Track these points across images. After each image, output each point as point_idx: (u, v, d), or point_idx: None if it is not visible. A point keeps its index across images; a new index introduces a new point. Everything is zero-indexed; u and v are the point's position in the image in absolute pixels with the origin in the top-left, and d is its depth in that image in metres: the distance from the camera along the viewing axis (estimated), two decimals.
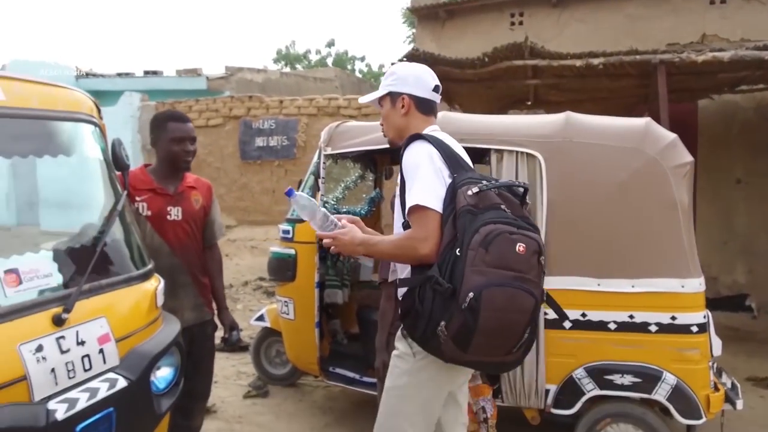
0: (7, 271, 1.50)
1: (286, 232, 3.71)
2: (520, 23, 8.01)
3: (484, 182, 1.66)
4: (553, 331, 2.92)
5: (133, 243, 2.06)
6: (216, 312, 2.87)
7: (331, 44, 26.48)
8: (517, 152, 3.02)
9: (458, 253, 1.55)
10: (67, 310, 1.57)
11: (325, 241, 1.80)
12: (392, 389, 1.78)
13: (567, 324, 2.91)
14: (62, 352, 1.54)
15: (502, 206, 1.64)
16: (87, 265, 1.69)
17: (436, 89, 1.91)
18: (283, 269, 3.69)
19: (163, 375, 1.92)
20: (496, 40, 6.13)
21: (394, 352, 1.81)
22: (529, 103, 6.82)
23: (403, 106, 1.87)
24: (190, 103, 11.18)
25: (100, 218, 1.95)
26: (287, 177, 10.18)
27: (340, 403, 4.02)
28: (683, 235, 2.83)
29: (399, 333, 1.81)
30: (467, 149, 3.23)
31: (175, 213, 2.64)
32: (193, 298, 2.71)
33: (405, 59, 5.79)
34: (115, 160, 2.14)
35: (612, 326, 2.87)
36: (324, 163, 3.61)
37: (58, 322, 1.55)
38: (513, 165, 3.02)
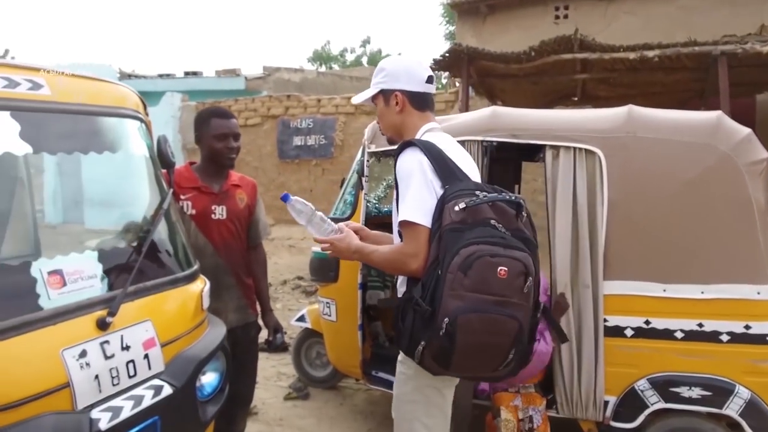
0: (51, 273, 1.43)
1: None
2: (565, 17, 7.76)
3: (476, 195, 1.57)
4: (613, 339, 2.74)
5: (178, 243, 1.99)
6: (260, 314, 2.80)
7: (366, 42, 26.50)
8: (574, 148, 2.84)
9: (439, 274, 1.50)
10: (112, 314, 1.50)
11: (322, 246, 1.80)
12: (400, 395, 1.78)
13: (628, 332, 2.72)
14: (106, 357, 1.46)
15: (492, 221, 1.56)
16: (132, 266, 1.62)
17: (429, 80, 1.82)
18: (325, 270, 3.60)
19: (208, 381, 1.84)
20: (540, 34, 5.92)
21: (399, 358, 1.79)
22: (576, 98, 6.58)
23: (397, 104, 1.79)
24: (229, 102, 11.28)
25: (146, 217, 1.89)
26: (324, 176, 10.16)
27: (382, 407, 3.90)
28: (759, 237, 2.60)
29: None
30: (518, 146, 3.14)
31: (219, 212, 2.58)
32: (237, 299, 2.64)
33: (446, 55, 5.65)
34: (161, 158, 2.07)
35: (679, 335, 2.67)
36: (368, 160, 3.49)
37: (103, 326, 1.48)
38: (570, 162, 2.84)
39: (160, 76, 15.58)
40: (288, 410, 3.84)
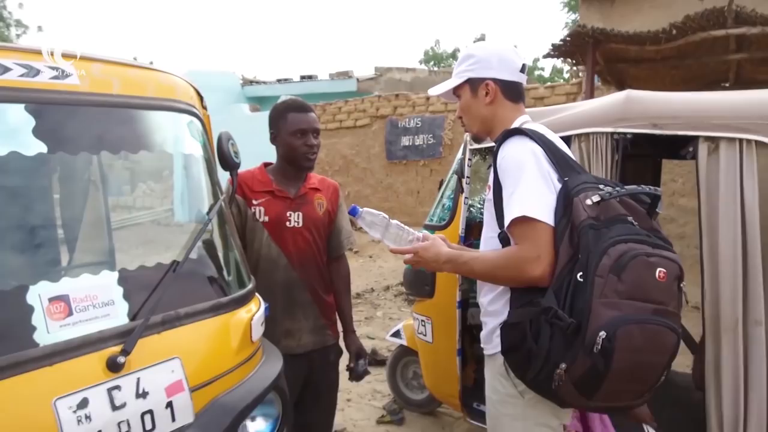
0: (53, 299, 1.17)
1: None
2: None
3: (605, 188, 1.37)
4: None
5: (229, 259, 1.68)
6: (342, 335, 2.45)
7: (480, 40, 25.81)
8: (740, 140, 2.15)
9: (580, 279, 1.28)
10: (126, 351, 1.20)
11: (405, 257, 1.62)
12: None
13: None
14: (115, 408, 1.17)
15: (629, 218, 1.36)
16: (161, 289, 1.32)
17: (522, 69, 1.63)
18: (419, 283, 3.17)
19: (257, 429, 1.50)
20: (680, 14, 5.00)
21: (493, 395, 1.56)
22: (728, 84, 5.54)
23: (487, 94, 1.59)
24: (339, 104, 11.30)
25: (190, 228, 1.60)
26: (432, 177, 9.76)
27: None
28: None
29: (497, 367, 1.52)
30: (657, 140, 2.50)
31: (295, 219, 2.26)
32: (314, 319, 2.31)
33: (568, 39, 4.97)
34: (222, 158, 1.79)
35: None
36: (470, 159, 3.02)
37: (114, 367, 1.19)
38: (735, 158, 2.15)
39: (279, 81, 16.16)
40: None
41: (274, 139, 2.31)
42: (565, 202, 1.37)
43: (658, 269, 1.29)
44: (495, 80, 1.59)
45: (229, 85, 15.28)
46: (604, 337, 1.23)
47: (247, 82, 16.18)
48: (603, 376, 1.26)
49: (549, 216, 1.37)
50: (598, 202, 1.34)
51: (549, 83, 10.62)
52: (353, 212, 1.65)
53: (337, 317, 2.46)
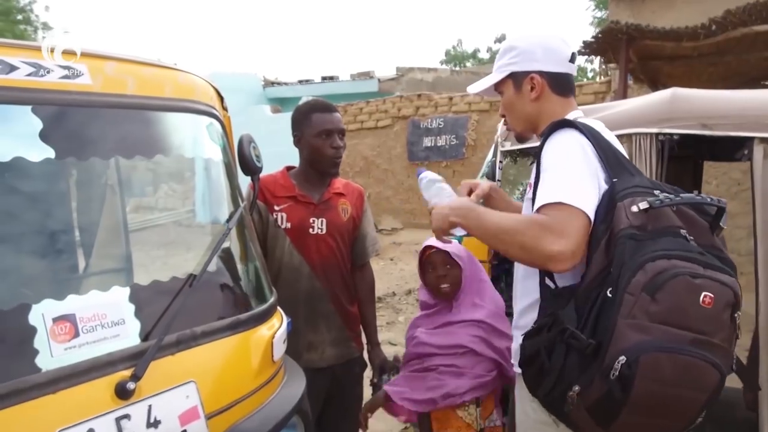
0: (57, 319, 1.06)
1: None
2: None
3: (659, 194, 1.20)
4: None
5: (249, 271, 1.57)
6: (366, 348, 2.33)
7: (500, 39, 25.55)
8: None
9: (609, 295, 1.13)
10: (137, 377, 1.10)
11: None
12: None
13: None
14: None
15: (683, 231, 1.19)
16: (175, 306, 1.22)
17: (572, 58, 1.46)
18: None
19: None
20: (716, 9, 4.76)
21: (524, 420, 1.42)
22: None
23: (533, 89, 1.44)
24: (360, 105, 11.21)
25: (207, 237, 1.49)
26: (455, 178, 9.60)
27: None
28: None
29: (522, 385, 1.36)
30: (705, 138, 2.32)
31: (318, 225, 2.16)
32: (337, 330, 2.20)
33: (599, 36, 4.78)
34: (243, 162, 1.69)
35: None
36: (500, 161, 2.88)
37: (123, 393, 1.08)
38: None
39: (300, 82, 16.13)
40: None
41: (297, 142, 2.21)
42: (608, 206, 1.21)
43: (704, 293, 1.11)
44: (541, 73, 1.43)
45: (251, 86, 15.30)
46: (623, 362, 1.09)
47: (269, 84, 16.18)
48: (620, 405, 1.12)
49: (589, 207, 1.20)
50: (646, 210, 1.17)
51: (576, 82, 10.40)
52: (419, 173, 1.69)
53: (360, 329, 2.34)
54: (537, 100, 1.44)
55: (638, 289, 1.11)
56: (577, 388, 1.16)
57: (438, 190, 1.56)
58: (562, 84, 1.45)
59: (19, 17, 17.38)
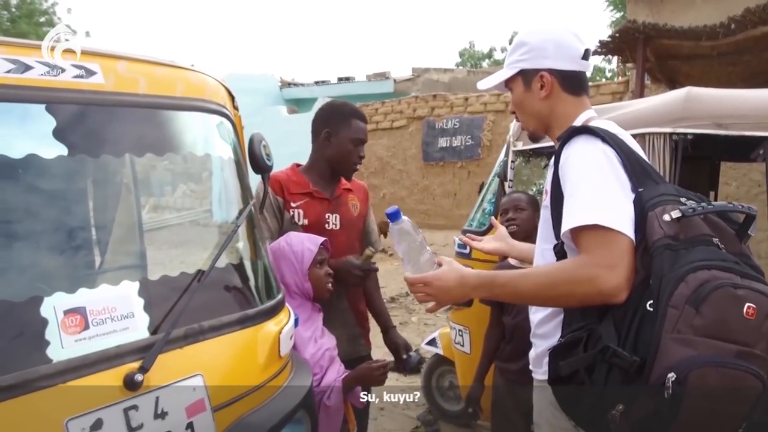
0: (68, 312, 1.09)
1: (462, 246, 3.05)
2: None
3: (687, 202, 1.16)
4: None
5: (258, 267, 1.59)
6: (382, 335, 2.35)
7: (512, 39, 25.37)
8: None
9: (649, 308, 1.09)
10: (144, 369, 1.12)
11: (412, 289, 1.33)
12: None
13: None
14: (131, 429, 1.09)
15: (715, 239, 1.15)
16: (184, 300, 1.24)
17: (585, 55, 1.40)
18: None
19: None
20: (737, 7, 4.68)
21: (543, 425, 1.37)
22: None
23: (542, 87, 1.40)
24: (376, 105, 11.21)
25: (217, 234, 1.51)
26: (470, 179, 9.57)
27: None
28: None
29: (548, 396, 1.29)
30: (721, 139, 2.28)
31: (333, 221, 2.19)
32: (350, 327, 2.23)
33: (617, 35, 4.74)
34: (253, 161, 1.71)
35: None
36: (512, 162, 2.87)
37: (131, 385, 1.10)
38: None
39: (316, 83, 16.20)
40: None
41: (326, 138, 2.19)
42: (640, 217, 1.17)
43: (747, 304, 1.08)
44: (551, 71, 1.39)
45: (268, 87, 15.40)
46: (673, 379, 1.05)
47: (285, 84, 16.27)
48: (668, 423, 1.09)
49: (629, 228, 1.16)
50: (678, 219, 1.14)
51: (593, 82, 10.26)
52: (395, 216, 1.34)
53: (375, 318, 2.36)
54: (547, 99, 1.41)
55: (682, 302, 1.07)
56: (621, 407, 1.12)
57: (408, 250, 1.35)
58: (573, 82, 1.41)
59: (42, 19, 17.69)
